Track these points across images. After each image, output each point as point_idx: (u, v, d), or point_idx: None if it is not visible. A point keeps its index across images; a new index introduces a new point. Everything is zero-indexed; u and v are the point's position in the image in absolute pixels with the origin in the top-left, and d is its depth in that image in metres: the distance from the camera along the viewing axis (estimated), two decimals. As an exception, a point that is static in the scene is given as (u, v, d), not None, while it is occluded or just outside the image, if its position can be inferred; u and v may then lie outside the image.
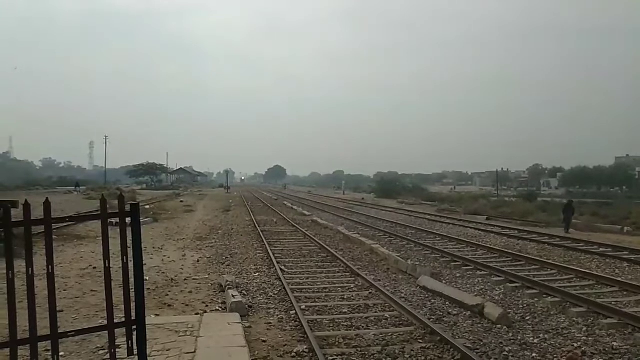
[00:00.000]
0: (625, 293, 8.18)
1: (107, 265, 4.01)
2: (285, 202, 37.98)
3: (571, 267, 10.37)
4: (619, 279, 9.17)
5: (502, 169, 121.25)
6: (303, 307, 7.28)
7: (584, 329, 6.36)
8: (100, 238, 4.09)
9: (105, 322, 4.05)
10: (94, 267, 9.89)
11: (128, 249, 4.06)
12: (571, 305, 7.36)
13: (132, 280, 4.01)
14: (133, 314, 4.04)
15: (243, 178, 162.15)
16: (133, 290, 3.94)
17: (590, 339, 5.97)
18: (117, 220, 4.04)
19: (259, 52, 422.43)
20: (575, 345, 5.74)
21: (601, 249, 12.94)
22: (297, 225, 19.39)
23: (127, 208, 4.20)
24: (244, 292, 8.28)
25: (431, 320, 6.62)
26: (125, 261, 4.02)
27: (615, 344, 5.78)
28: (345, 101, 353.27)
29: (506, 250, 12.76)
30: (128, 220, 4.08)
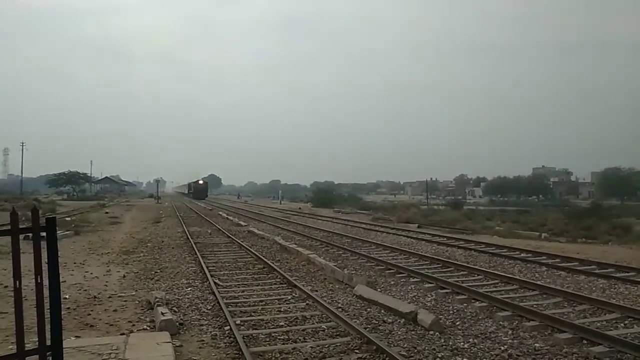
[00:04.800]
0: (544, 296, 8.73)
1: (17, 285, 3.61)
2: (221, 212, 37.08)
3: (496, 272, 10.93)
4: (538, 282, 9.79)
5: (431, 178, 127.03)
6: (238, 321, 7.06)
7: (510, 332, 6.69)
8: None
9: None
10: (5, 286, 8.98)
11: (44, 267, 3.69)
12: (497, 309, 7.73)
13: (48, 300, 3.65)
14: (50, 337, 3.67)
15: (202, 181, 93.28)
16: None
17: (515, 341, 6.28)
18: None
19: (189, 57, 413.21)
20: (502, 348, 6.01)
21: (522, 255, 13.79)
22: (232, 236, 18.93)
23: (43, 222, 3.83)
24: (174, 308, 7.87)
25: (367, 329, 6.66)
26: (39, 281, 3.65)
27: (537, 345, 6.13)
28: (280, 109, 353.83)
29: (436, 257, 13.23)
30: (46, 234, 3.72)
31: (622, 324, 7.01)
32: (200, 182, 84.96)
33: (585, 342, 6.14)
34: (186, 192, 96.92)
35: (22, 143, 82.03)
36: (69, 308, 7.74)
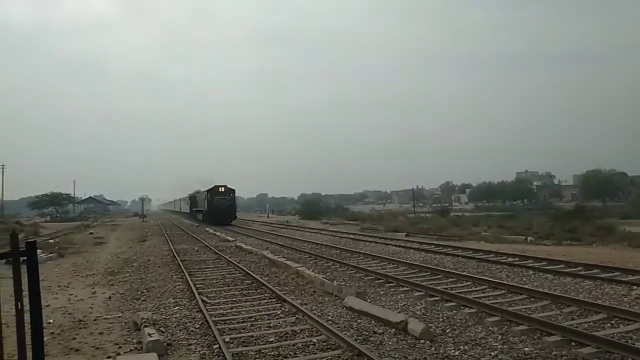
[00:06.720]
0: (532, 300, 8.80)
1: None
2: (207, 229, 36.75)
3: (484, 277, 11.00)
4: (526, 286, 9.86)
5: (418, 186, 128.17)
6: (227, 339, 6.96)
7: (499, 337, 6.71)
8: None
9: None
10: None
11: (25, 292, 3.61)
12: (486, 315, 7.76)
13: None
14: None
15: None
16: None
17: (505, 346, 6.30)
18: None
19: (168, 73, 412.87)
20: (493, 354, 6.02)
21: (509, 259, 13.91)
22: (219, 252, 18.75)
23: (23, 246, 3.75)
24: (161, 329, 7.73)
25: (358, 341, 6.62)
26: (19, 307, 3.57)
27: (526, 349, 6.16)
28: (264, 123, 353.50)
29: (425, 265, 13.27)
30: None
31: (608, 324, 7.09)
32: (222, 189, 45.97)
33: (573, 344, 6.19)
34: (187, 210, 60.86)
35: (2, 166, 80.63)
36: (53, 333, 7.55)
